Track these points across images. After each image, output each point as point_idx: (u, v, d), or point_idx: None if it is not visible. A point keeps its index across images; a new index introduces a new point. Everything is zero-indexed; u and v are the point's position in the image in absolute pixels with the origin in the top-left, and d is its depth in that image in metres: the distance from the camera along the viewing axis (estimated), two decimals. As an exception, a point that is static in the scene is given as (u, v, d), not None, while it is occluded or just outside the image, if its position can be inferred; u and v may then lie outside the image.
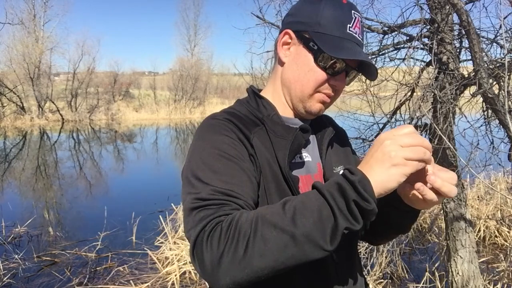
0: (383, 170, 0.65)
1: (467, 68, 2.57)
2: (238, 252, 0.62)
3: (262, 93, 0.96)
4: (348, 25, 0.84)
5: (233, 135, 0.81)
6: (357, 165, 0.69)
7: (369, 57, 0.91)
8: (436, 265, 3.75)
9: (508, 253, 4.29)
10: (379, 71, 0.91)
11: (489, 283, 3.40)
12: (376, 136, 3.03)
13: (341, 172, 0.88)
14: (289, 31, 0.88)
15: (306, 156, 0.92)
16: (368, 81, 2.79)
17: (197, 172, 0.76)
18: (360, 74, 0.92)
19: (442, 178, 0.69)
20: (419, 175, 0.69)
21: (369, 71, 0.89)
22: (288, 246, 0.62)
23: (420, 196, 0.71)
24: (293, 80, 0.89)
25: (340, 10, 0.84)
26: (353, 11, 0.85)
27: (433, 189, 0.69)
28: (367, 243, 3.88)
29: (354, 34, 0.85)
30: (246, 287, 0.64)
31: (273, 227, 0.63)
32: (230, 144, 0.79)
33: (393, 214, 0.86)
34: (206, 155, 0.78)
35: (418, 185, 0.70)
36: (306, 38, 0.85)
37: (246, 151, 0.81)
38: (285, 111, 0.92)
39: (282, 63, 0.91)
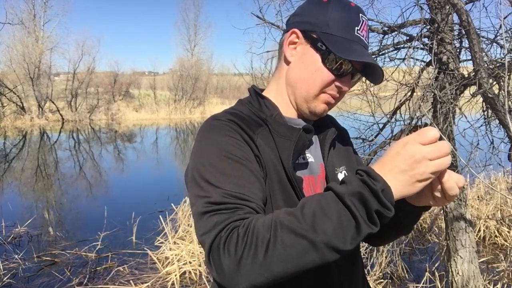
0: (408, 184, 0.65)
1: (467, 68, 2.57)
2: (257, 257, 0.62)
3: (264, 93, 0.95)
4: (356, 28, 0.84)
5: (238, 136, 0.80)
6: (358, 165, 0.69)
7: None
8: (436, 265, 3.75)
9: (508, 253, 4.29)
10: None
11: (489, 283, 3.39)
12: (376, 136, 3.03)
13: (343, 172, 0.86)
14: (297, 30, 0.87)
15: (309, 156, 0.92)
16: (368, 81, 2.79)
17: (205, 175, 0.75)
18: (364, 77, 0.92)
19: (450, 177, 0.69)
20: None
21: (374, 75, 0.88)
22: (308, 251, 0.62)
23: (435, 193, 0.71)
24: (299, 79, 0.88)
25: (349, 13, 0.84)
26: (360, 14, 0.85)
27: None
28: (366, 244, 3.87)
29: (362, 37, 0.85)
30: None
31: (292, 233, 0.62)
32: (235, 145, 0.78)
33: (396, 214, 0.86)
34: (213, 157, 0.77)
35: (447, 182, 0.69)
36: (314, 38, 0.85)
37: (252, 152, 0.80)
38: (288, 111, 0.92)
39: (287, 62, 0.90)
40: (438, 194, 0.71)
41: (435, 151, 0.64)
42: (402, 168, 0.64)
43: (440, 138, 0.67)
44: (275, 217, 0.66)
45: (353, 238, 0.63)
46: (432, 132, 0.64)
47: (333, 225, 0.62)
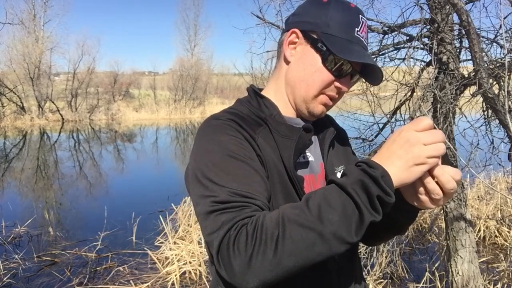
0: (405, 168, 0.66)
1: (467, 68, 2.57)
2: (267, 254, 0.63)
3: (263, 92, 0.95)
4: (356, 29, 0.84)
5: (239, 135, 0.80)
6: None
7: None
8: (436, 265, 3.75)
9: (508, 253, 4.29)
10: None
11: (489, 283, 3.39)
12: (376, 136, 3.03)
13: (341, 172, 0.86)
14: (297, 30, 0.87)
15: (310, 156, 0.92)
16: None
17: (208, 174, 0.74)
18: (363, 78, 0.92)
19: (444, 170, 0.69)
20: None
21: (373, 76, 0.89)
22: (316, 244, 0.63)
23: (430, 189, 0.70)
24: (298, 80, 0.88)
25: (349, 14, 0.84)
26: (360, 16, 0.85)
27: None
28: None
29: (361, 38, 0.85)
30: None
31: (300, 227, 0.64)
32: (238, 144, 0.78)
33: (393, 213, 0.84)
34: (216, 156, 0.76)
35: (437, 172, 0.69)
36: (314, 39, 0.85)
37: (254, 151, 0.80)
38: (287, 111, 0.92)
39: (287, 62, 0.90)
40: (435, 196, 0.70)
41: (429, 136, 0.66)
42: (398, 153, 0.67)
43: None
44: (281, 213, 0.66)
45: (357, 226, 0.65)
46: (426, 120, 0.67)
47: (338, 215, 0.64)
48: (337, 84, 0.87)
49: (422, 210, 5.25)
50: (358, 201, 0.64)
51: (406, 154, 0.66)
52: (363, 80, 0.97)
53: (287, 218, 0.65)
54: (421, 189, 0.72)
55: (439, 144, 0.66)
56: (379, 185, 0.64)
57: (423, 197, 0.73)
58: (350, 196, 0.65)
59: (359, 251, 1.17)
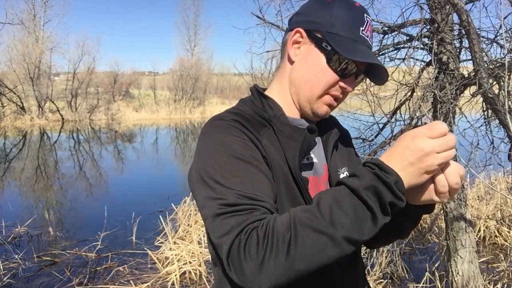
0: (416, 175, 0.67)
1: (467, 68, 2.57)
2: (279, 257, 0.63)
3: (266, 92, 0.94)
4: (361, 28, 0.83)
5: (244, 136, 0.79)
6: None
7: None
8: (436, 265, 3.75)
9: (508, 253, 4.29)
10: None
11: (489, 283, 3.39)
12: (376, 136, 3.03)
13: (345, 173, 0.86)
14: (301, 29, 0.86)
15: (314, 157, 0.91)
16: (368, 81, 2.79)
17: (215, 176, 0.73)
18: (367, 78, 0.91)
19: (449, 164, 0.70)
20: None
21: (378, 76, 0.88)
22: (328, 247, 0.64)
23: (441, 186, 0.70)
24: (303, 80, 0.87)
25: (354, 13, 0.84)
26: (365, 15, 0.85)
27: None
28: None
29: (366, 38, 0.84)
30: None
31: (312, 231, 0.63)
32: (243, 145, 0.77)
33: (398, 218, 0.82)
34: (221, 157, 0.75)
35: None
36: (319, 38, 0.84)
37: (259, 152, 0.79)
38: (290, 111, 0.90)
39: (291, 62, 0.89)
40: (441, 188, 0.69)
41: (443, 144, 0.66)
42: (411, 160, 0.66)
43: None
44: (293, 216, 0.66)
45: (369, 230, 0.65)
46: (442, 126, 0.66)
47: (350, 219, 0.64)
48: (341, 84, 0.86)
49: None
50: (372, 205, 0.64)
51: (420, 162, 0.66)
52: (367, 79, 0.96)
53: (299, 222, 0.64)
54: (428, 181, 0.71)
55: (450, 151, 0.66)
56: (393, 192, 0.64)
57: (429, 189, 0.71)
58: (363, 201, 0.64)
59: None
